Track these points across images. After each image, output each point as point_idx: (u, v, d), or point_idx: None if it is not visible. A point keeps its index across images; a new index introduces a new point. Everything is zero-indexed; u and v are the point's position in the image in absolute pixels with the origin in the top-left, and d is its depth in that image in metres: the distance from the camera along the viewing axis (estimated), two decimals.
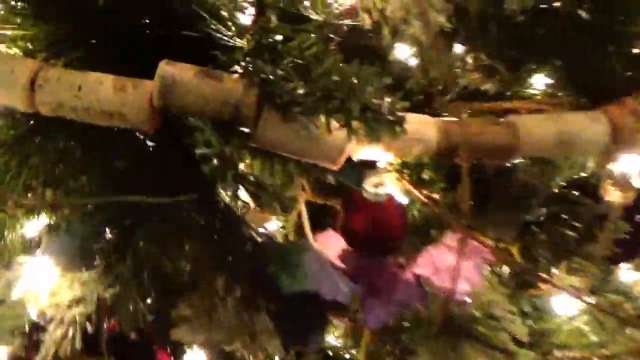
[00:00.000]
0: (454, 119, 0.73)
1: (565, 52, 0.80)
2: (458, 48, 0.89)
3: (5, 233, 0.84)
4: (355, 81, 0.55)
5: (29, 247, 0.85)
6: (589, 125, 0.75)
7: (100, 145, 0.69)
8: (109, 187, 0.69)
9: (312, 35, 0.64)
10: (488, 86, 0.88)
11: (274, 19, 0.60)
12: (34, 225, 0.85)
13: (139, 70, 0.64)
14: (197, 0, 0.63)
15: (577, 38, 0.78)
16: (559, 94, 0.84)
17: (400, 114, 0.53)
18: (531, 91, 0.89)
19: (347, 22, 0.76)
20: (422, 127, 0.70)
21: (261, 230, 0.79)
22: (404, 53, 0.87)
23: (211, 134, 0.55)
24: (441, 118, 0.71)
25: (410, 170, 0.72)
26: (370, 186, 0.67)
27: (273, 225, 1.03)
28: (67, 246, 0.67)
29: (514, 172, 0.77)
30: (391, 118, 0.53)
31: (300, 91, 0.56)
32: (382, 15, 0.74)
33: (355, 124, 0.55)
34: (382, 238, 0.71)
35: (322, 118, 0.57)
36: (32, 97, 0.59)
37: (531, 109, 0.85)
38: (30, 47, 0.66)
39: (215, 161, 0.55)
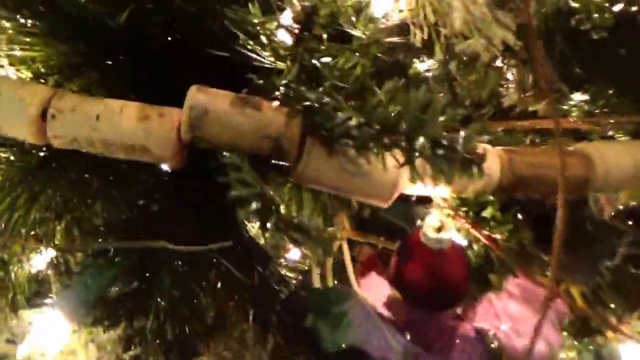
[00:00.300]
0: (517, 148, 0.66)
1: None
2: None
3: (10, 268, 0.78)
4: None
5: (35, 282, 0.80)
6: None
7: (118, 179, 0.62)
8: (128, 226, 0.62)
9: (358, 55, 0.58)
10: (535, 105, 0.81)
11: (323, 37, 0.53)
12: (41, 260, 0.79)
13: (164, 96, 0.57)
14: (230, 16, 0.56)
15: None
16: (597, 111, 0.77)
17: (479, 151, 0.45)
18: (565, 107, 0.82)
19: (395, 39, 0.69)
20: None
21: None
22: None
23: (249, 173, 0.49)
24: (503, 148, 0.64)
25: (469, 207, 0.64)
26: (431, 230, 0.59)
27: (294, 254, 0.97)
28: (80, 297, 0.60)
29: (589, 209, 0.69)
30: (468, 156, 0.45)
31: (353, 122, 0.48)
32: (436, 31, 0.68)
33: (419, 161, 0.47)
34: (441, 291, 0.63)
35: (377, 153, 0.49)
36: (43, 129, 0.53)
37: (568, 128, 0.78)
38: (42, 69, 0.60)
39: (254, 205, 0.48)
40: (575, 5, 0.73)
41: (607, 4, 0.72)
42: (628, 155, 0.68)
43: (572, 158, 0.66)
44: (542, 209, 0.75)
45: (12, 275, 0.80)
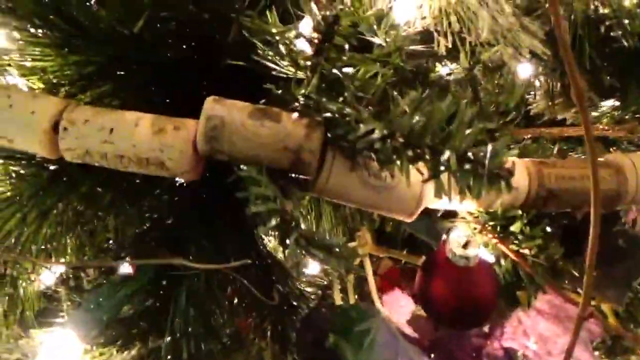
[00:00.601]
0: (546, 160, 0.64)
1: None
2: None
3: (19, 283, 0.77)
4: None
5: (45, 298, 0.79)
6: None
7: (131, 193, 0.61)
8: (142, 242, 0.61)
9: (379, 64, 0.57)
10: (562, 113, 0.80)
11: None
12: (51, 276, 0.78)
13: (179, 107, 0.57)
14: (248, 26, 0.55)
15: None
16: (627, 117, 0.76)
17: (508, 165, 0.44)
18: (595, 114, 0.80)
19: (418, 47, 0.68)
20: None
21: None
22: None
23: (269, 187, 0.47)
24: (532, 159, 0.62)
25: (496, 222, 0.62)
26: (457, 247, 0.58)
27: (314, 269, 0.95)
28: (93, 316, 0.59)
29: (621, 223, 0.67)
30: (495, 171, 0.44)
31: (376, 134, 0.47)
32: (460, 38, 0.66)
33: (444, 175, 0.46)
34: (468, 309, 0.62)
35: (400, 166, 0.48)
36: (55, 142, 0.52)
37: (598, 135, 0.77)
38: (54, 80, 0.59)
39: (274, 221, 0.47)
40: (605, 11, 0.71)
41: (638, 9, 0.70)
42: None
43: (604, 170, 0.65)
44: (572, 222, 0.73)
45: (21, 291, 0.79)
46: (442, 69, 0.75)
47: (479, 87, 0.75)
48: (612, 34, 0.70)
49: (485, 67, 0.79)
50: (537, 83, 0.87)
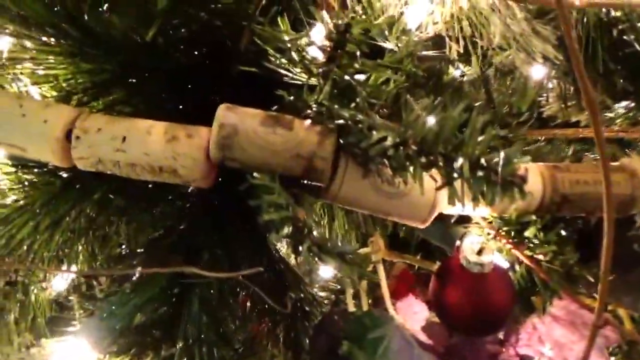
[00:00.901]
0: (559, 164, 0.64)
1: None
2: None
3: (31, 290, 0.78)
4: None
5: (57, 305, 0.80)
6: None
7: (144, 201, 0.62)
8: (154, 250, 0.62)
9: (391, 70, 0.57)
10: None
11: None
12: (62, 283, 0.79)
13: (191, 113, 0.57)
14: (260, 33, 0.55)
15: None
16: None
17: (521, 172, 0.44)
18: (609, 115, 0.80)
19: (430, 52, 0.68)
20: None
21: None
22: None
23: (282, 195, 0.48)
24: (545, 164, 0.63)
25: (510, 227, 0.63)
26: (471, 253, 0.58)
27: (326, 273, 0.96)
28: (106, 325, 0.60)
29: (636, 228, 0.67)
30: (509, 178, 0.44)
31: (389, 142, 0.48)
32: (472, 42, 0.67)
33: (458, 181, 0.46)
34: (483, 316, 0.62)
35: (413, 173, 0.48)
36: (67, 151, 0.53)
37: (610, 137, 0.77)
38: (66, 87, 0.60)
39: (287, 229, 0.47)
40: (617, 14, 0.72)
41: None
42: None
43: (618, 174, 0.65)
44: (586, 226, 0.73)
45: (33, 298, 0.80)
46: (455, 71, 0.76)
47: (492, 89, 0.75)
48: (624, 37, 0.70)
49: (497, 70, 0.79)
50: (549, 85, 0.87)
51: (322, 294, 0.86)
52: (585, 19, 0.72)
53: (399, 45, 0.64)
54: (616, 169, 0.64)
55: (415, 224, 0.57)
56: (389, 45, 0.64)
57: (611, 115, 0.81)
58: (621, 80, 0.73)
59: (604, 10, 0.72)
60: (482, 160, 0.45)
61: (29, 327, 0.82)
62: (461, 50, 0.67)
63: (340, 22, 0.51)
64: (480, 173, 0.45)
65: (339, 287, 0.92)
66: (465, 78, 0.76)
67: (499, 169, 0.45)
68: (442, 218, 0.62)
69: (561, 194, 0.61)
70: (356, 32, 0.52)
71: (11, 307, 0.79)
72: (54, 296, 0.83)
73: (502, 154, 0.45)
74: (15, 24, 0.57)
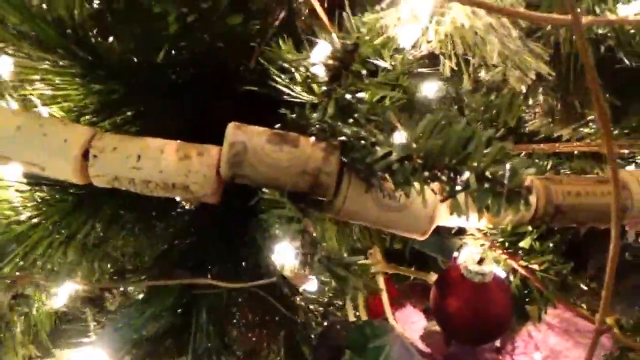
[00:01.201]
0: (553, 176, 0.68)
1: None
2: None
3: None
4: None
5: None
6: None
7: (154, 213, 0.65)
8: (164, 262, 0.65)
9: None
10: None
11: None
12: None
13: (199, 131, 0.60)
14: (263, 52, 0.59)
15: None
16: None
17: (527, 184, 0.48)
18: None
19: (425, 70, 0.71)
20: None
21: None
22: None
23: (292, 209, 0.51)
24: (539, 176, 0.66)
25: (505, 238, 0.66)
26: (473, 263, 0.61)
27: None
28: (120, 336, 0.63)
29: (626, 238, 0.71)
30: (516, 190, 0.47)
31: (394, 157, 0.51)
32: (465, 61, 0.70)
33: (461, 195, 0.50)
34: (485, 325, 0.65)
35: (417, 186, 0.52)
36: (85, 169, 0.56)
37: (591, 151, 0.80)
38: (76, 108, 0.63)
39: (298, 241, 0.50)
40: (605, 31, 0.75)
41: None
42: None
43: (608, 186, 0.68)
44: (575, 237, 0.77)
45: (35, 310, 0.82)
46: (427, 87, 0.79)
47: (464, 105, 0.79)
48: (612, 53, 0.74)
49: (485, 87, 0.83)
50: (537, 101, 0.90)
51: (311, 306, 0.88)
52: (573, 37, 0.76)
53: (394, 63, 0.67)
54: (607, 180, 0.68)
55: (416, 236, 0.60)
56: (384, 63, 0.67)
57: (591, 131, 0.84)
58: (608, 95, 0.77)
59: (593, 27, 0.75)
60: (488, 173, 0.48)
61: (32, 339, 0.84)
62: (455, 68, 0.70)
63: (348, 42, 0.54)
64: (486, 185, 0.48)
65: (326, 299, 0.94)
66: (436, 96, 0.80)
67: (506, 181, 0.48)
68: (439, 230, 0.65)
69: (555, 205, 0.65)
70: (365, 52, 0.55)
71: (16, 320, 0.81)
72: (61, 307, 0.85)
73: (507, 166, 0.48)
74: (27, 45, 0.60)
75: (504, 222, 0.64)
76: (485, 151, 0.47)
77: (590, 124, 0.84)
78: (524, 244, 0.66)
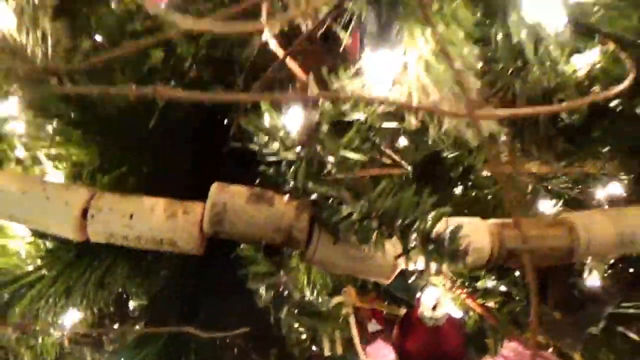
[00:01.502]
0: (508, 220, 0.75)
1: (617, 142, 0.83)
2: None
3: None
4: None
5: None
6: None
7: (147, 263, 0.72)
8: (155, 309, 0.72)
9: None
10: None
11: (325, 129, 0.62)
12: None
13: (188, 182, 0.68)
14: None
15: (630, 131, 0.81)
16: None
17: (463, 246, 0.55)
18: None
19: (392, 124, 0.79)
20: (474, 234, 0.72)
21: None
22: None
23: (265, 264, 0.59)
24: (494, 221, 0.74)
25: (464, 279, 0.74)
26: (427, 309, 0.69)
27: None
28: None
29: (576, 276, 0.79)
30: (454, 250, 0.55)
31: (355, 217, 0.59)
32: (430, 116, 0.77)
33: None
34: None
35: (375, 243, 0.59)
36: (84, 227, 0.63)
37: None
38: (77, 163, 0.70)
39: (270, 294, 0.58)
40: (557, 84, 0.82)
41: (586, 82, 0.81)
42: (611, 225, 0.77)
43: (558, 229, 0.76)
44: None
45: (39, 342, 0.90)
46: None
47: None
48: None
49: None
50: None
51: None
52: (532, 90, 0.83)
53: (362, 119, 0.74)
54: (557, 223, 0.76)
55: (380, 281, 0.68)
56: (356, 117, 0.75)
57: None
58: (562, 142, 0.84)
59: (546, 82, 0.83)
60: (432, 236, 0.56)
61: None
62: (419, 123, 0.77)
63: (312, 120, 0.61)
64: (431, 246, 0.57)
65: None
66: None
67: (447, 243, 0.56)
68: (403, 272, 0.73)
69: (507, 249, 0.72)
70: (334, 115, 0.62)
71: (23, 352, 0.88)
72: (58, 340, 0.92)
73: (448, 231, 0.56)
74: (34, 113, 0.68)
75: (461, 266, 0.71)
76: (430, 216, 0.55)
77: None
78: (481, 284, 0.73)
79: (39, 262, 0.68)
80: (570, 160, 0.88)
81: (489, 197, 0.92)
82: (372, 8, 0.63)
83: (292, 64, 0.73)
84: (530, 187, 1.01)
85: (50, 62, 0.70)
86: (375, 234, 0.59)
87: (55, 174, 0.70)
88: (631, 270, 0.84)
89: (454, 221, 0.59)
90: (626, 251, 0.79)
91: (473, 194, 0.93)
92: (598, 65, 0.75)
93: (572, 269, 0.80)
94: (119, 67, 0.65)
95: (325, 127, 0.65)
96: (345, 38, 0.72)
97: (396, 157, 0.77)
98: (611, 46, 0.76)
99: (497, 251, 0.71)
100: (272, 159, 0.66)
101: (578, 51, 0.77)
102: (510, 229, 0.73)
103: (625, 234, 0.74)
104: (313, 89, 0.64)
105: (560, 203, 0.91)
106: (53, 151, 0.71)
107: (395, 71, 0.68)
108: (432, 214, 0.57)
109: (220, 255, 0.69)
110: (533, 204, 1.01)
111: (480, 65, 0.67)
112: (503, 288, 0.75)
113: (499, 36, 0.67)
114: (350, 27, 0.71)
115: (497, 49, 0.67)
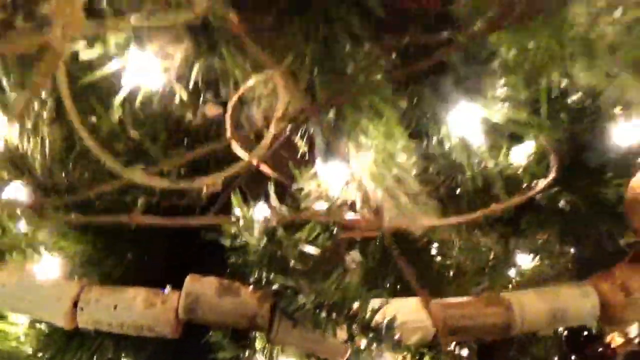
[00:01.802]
0: (451, 302, 0.85)
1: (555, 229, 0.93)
2: None
3: None
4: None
5: None
6: (581, 301, 0.86)
7: (130, 343, 0.82)
8: None
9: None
10: None
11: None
12: None
13: (167, 268, 0.77)
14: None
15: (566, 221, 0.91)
16: None
17: (397, 336, 0.65)
18: None
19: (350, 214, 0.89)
20: (417, 315, 0.82)
21: None
22: None
23: (231, 350, 0.69)
24: (440, 304, 0.83)
25: (412, 354, 0.83)
26: None
27: None
28: None
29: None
30: (391, 339, 0.65)
31: (309, 306, 0.69)
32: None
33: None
34: None
35: (325, 330, 0.69)
36: (74, 316, 0.73)
37: None
38: (70, 256, 0.80)
39: None
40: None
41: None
42: (543, 303, 0.87)
43: (497, 307, 0.86)
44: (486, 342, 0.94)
45: None
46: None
47: None
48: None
49: None
50: None
51: None
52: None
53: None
54: (497, 301, 0.85)
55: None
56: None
57: None
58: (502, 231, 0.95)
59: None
60: (371, 325, 0.66)
61: None
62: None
63: (269, 228, 0.72)
64: (371, 335, 0.67)
65: None
66: None
67: (384, 332, 0.66)
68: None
69: (449, 326, 0.82)
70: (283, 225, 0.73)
71: None
72: None
73: (385, 320, 0.66)
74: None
75: (408, 343, 0.81)
76: (370, 307, 0.65)
77: None
78: (427, 358, 0.83)
79: (35, 345, 0.77)
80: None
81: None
82: (319, 129, 0.74)
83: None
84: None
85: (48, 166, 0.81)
86: (325, 321, 0.68)
87: (52, 262, 0.79)
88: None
89: (397, 305, 0.69)
90: (558, 326, 0.88)
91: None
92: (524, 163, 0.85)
93: (510, 341, 0.90)
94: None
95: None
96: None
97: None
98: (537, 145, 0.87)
99: (441, 330, 0.81)
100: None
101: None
102: (452, 308, 0.83)
103: (557, 309, 0.83)
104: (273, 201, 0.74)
105: None
106: (50, 244, 0.81)
107: (344, 176, 0.79)
108: (373, 304, 0.66)
109: (194, 338, 0.79)
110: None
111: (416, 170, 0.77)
112: None
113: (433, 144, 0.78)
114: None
115: (432, 159, 0.77)
